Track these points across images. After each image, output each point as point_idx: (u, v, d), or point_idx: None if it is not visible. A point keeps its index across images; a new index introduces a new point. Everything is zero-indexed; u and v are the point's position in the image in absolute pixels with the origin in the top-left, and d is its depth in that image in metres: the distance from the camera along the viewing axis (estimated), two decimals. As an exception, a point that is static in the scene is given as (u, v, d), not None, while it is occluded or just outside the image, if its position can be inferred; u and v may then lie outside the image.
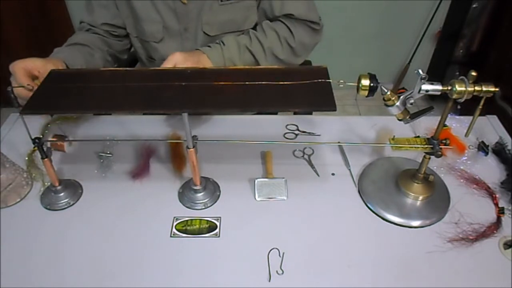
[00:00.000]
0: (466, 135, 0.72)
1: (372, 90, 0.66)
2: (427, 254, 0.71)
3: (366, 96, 0.67)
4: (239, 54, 0.96)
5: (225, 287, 0.67)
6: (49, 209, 0.80)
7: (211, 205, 0.80)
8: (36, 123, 0.98)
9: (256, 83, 0.71)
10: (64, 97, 0.70)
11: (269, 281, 0.67)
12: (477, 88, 0.63)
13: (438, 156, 0.73)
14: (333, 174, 0.87)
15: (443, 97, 0.67)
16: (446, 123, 0.83)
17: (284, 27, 1.00)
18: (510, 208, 0.79)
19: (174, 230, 0.76)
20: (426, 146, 0.74)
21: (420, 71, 0.64)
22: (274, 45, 0.98)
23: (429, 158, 0.76)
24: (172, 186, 0.84)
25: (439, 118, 0.71)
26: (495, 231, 0.74)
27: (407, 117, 0.71)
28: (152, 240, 0.74)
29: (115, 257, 0.71)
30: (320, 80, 0.70)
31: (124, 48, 1.10)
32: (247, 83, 0.71)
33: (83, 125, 1.00)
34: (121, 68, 0.82)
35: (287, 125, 1.00)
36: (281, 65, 1.01)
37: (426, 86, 0.64)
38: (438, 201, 0.80)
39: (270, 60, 0.99)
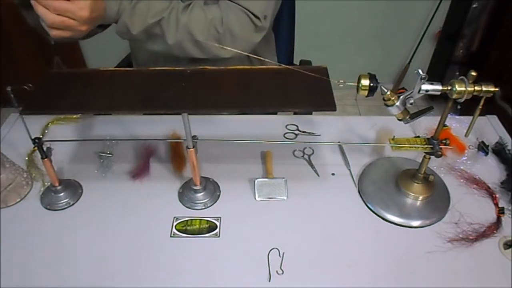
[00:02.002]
0: (466, 135, 0.72)
1: (372, 90, 0.66)
2: (427, 254, 0.71)
3: (366, 96, 0.67)
4: (140, 21, 0.84)
5: (225, 287, 0.67)
6: (49, 209, 0.80)
7: (211, 205, 0.80)
8: (36, 123, 0.98)
9: (256, 83, 0.71)
10: (64, 97, 0.70)
11: (269, 281, 0.67)
12: (477, 88, 0.63)
13: (438, 156, 0.73)
14: (333, 174, 0.87)
15: (443, 97, 0.67)
16: (446, 123, 0.83)
17: (217, 10, 0.88)
18: (510, 208, 0.79)
19: (174, 230, 0.76)
20: (426, 146, 0.74)
21: (420, 71, 0.63)
22: (194, 24, 0.86)
23: (429, 158, 0.76)
24: (172, 186, 0.84)
25: (439, 118, 0.71)
26: (495, 231, 0.74)
27: (407, 117, 0.71)
28: (152, 240, 0.74)
29: (115, 257, 0.71)
30: (320, 80, 0.70)
31: None
32: (247, 83, 0.71)
33: (83, 125, 1.01)
34: (121, 68, 0.82)
35: (287, 125, 1.00)
36: (199, 48, 0.89)
37: (426, 86, 0.64)
38: (438, 201, 0.80)
39: (183, 39, 0.88)
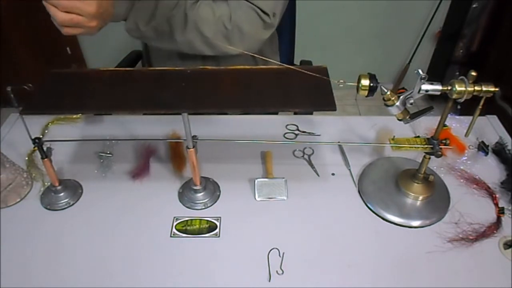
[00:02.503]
0: (466, 135, 0.72)
1: (372, 90, 0.66)
2: (427, 254, 0.71)
3: (366, 96, 0.67)
4: (149, 18, 0.86)
5: (225, 287, 0.67)
6: (49, 209, 0.80)
7: (211, 205, 0.80)
8: (36, 123, 0.98)
9: (257, 83, 0.71)
10: (64, 97, 0.70)
11: (269, 281, 0.67)
12: (477, 88, 0.63)
13: (438, 156, 0.73)
14: (333, 174, 0.87)
15: (443, 97, 0.67)
16: (446, 123, 0.83)
17: (225, 6, 0.88)
18: (510, 208, 0.79)
19: (174, 230, 0.76)
20: (426, 146, 0.74)
21: (420, 71, 0.63)
22: (202, 21, 0.87)
23: (429, 158, 0.76)
24: (172, 186, 0.84)
25: (439, 118, 0.71)
26: (495, 231, 0.74)
27: (407, 117, 0.71)
28: (152, 240, 0.74)
29: (115, 257, 0.71)
30: (320, 80, 0.70)
31: None
32: (247, 83, 0.71)
33: (83, 125, 1.01)
34: (121, 68, 0.82)
35: (287, 125, 1.00)
36: (208, 45, 0.90)
37: (426, 86, 0.64)
38: (438, 201, 0.80)
39: (192, 36, 0.88)
